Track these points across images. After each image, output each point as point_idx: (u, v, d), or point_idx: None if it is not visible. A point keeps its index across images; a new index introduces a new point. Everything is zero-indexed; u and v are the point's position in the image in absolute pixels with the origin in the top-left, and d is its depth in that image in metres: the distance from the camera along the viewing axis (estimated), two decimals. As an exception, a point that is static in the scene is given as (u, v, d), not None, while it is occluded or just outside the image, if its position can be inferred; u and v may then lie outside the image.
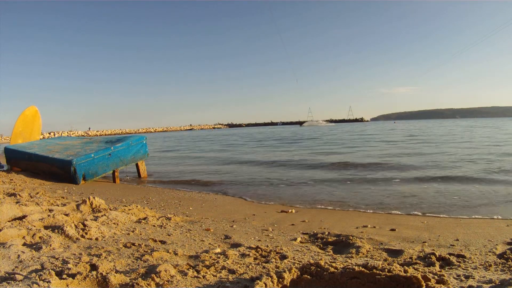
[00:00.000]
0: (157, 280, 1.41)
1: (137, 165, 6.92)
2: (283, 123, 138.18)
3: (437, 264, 1.69)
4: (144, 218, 2.85)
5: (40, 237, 2.00)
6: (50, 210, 2.83)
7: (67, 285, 1.34)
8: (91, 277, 1.41)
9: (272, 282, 1.38)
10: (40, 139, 9.11)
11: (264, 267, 1.63)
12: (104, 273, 1.42)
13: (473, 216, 3.42)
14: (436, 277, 1.39)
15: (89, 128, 68.62)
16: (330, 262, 1.59)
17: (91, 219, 2.50)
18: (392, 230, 2.82)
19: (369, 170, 7.08)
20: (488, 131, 22.81)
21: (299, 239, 2.45)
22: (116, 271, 1.50)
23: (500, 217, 3.34)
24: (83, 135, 52.08)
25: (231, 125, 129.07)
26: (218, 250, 1.99)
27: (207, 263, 1.68)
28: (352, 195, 4.79)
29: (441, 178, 5.79)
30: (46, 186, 5.14)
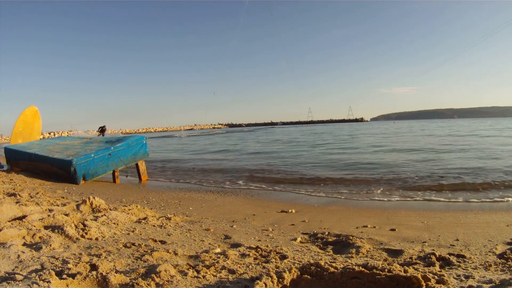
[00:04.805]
0: (157, 280, 1.41)
1: (137, 165, 6.92)
2: (283, 123, 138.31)
3: (437, 264, 1.69)
4: (144, 218, 2.84)
5: (40, 237, 2.00)
6: (50, 210, 2.83)
7: (67, 285, 1.34)
8: (91, 277, 1.40)
9: (272, 282, 1.38)
10: (40, 139, 9.11)
11: (264, 267, 1.62)
12: (104, 273, 1.42)
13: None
14: (436, 277, 1.39)
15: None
16: (330, 262, 1.59)
17: (91, 219, 2.50)
18: (392, 230, 2.82)
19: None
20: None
21: (299, 239, 2.45)
22: (116, 271, 1.50)
23: None
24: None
25: (231, 125, 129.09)
26: (218, 250, 1.99)
27: (207, 263, 1.68)
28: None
29: None
30: (46, 186, 5.14)
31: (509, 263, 1.71)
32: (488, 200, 4.33)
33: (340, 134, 26.28)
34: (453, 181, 5.47)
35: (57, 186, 5.18)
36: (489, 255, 1.94)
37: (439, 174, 6.18)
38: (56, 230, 2.16)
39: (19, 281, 1.33)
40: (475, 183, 5.29)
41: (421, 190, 5.01)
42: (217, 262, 1.69)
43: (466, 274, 1.53)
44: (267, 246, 2.05)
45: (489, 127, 30.37)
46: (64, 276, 1.41)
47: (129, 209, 3.11)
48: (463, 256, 1.88)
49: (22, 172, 6.38)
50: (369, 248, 2.11)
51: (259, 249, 1.96)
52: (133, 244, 2.04)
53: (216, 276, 1.50)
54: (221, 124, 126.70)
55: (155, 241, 2.17)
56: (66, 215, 2.61)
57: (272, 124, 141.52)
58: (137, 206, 3.28)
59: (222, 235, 2.50)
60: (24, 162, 6.64)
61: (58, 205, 3.17)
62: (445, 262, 1.74)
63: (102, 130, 20.96)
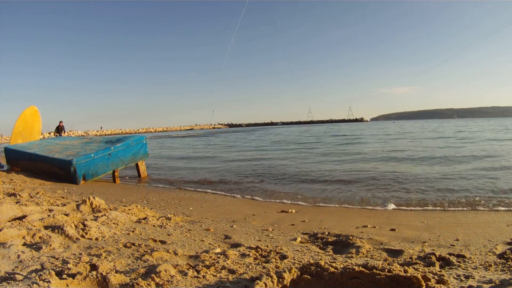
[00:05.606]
0: (157, 280, 1.41)
1: (137, 165, 6.92)
2: (283, 123, 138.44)
3: (437, 264, 1.69)
4: (144, 218, 2.84)
5: (40, 237, 2.00)
6: (50, 210, 2.83)
7: (67, 285, 1.34)
8: (91, 277, 1.40)
9: (272, 282, 1.38)
10: (40, 139, 9.11)
11: (264, 267, 1.62)
12: (104, 273, 1.42)
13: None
14: (436, 277, 1.39)
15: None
16: (330, 262, 1.59)
17: (91, 219, 2.49)
18: (392, 230, 2.82)
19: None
20: None
21: (299, 239, 2.45)
22: (116, 271, 1.50)
23: None
24: (83, 135, 52.05)
25: (231, 125, 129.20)
26: (218, 250, 1.99)
27: (207, 263, 1.68)
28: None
29: None
30: (46, 186, 5.14)
31: (509, 263, 1.71)
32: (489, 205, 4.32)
33: (340, 135, 26.23)
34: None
35: (57, 186, 5.18)
36: (489, 255, 1.94)
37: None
38: (56, 230, 2.16)
39: (19, 281, 1.33)
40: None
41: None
42: (217, 262, 1.69)
43: (466, 274, 1.53)
44: (267, 246, 2.05)
45: (490, 127, 30.11)
46: (64, 276, 1.41)
47: (129, 209, 3.11)
48: (463, 256, 1.88)
49: (22, 172, 6.38)
50: (369, 248, 2.11)
51: (259, 249, 1.96)
52: (133, 244, 2.04)
53: (216, 276, 1.50)
54: (221, 124, 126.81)
55: (155, 241, 2.17)
56: (66, 215, 2.61)
57: (272, 124, 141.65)
58: (137, 206, 3.28)
59: (222, 235, 2.50)
60: (24, 162, 6.64)
61: (58, 205, 3.17)
62: (445, 262, 1.74)
63: (58, 129, 15.06)
